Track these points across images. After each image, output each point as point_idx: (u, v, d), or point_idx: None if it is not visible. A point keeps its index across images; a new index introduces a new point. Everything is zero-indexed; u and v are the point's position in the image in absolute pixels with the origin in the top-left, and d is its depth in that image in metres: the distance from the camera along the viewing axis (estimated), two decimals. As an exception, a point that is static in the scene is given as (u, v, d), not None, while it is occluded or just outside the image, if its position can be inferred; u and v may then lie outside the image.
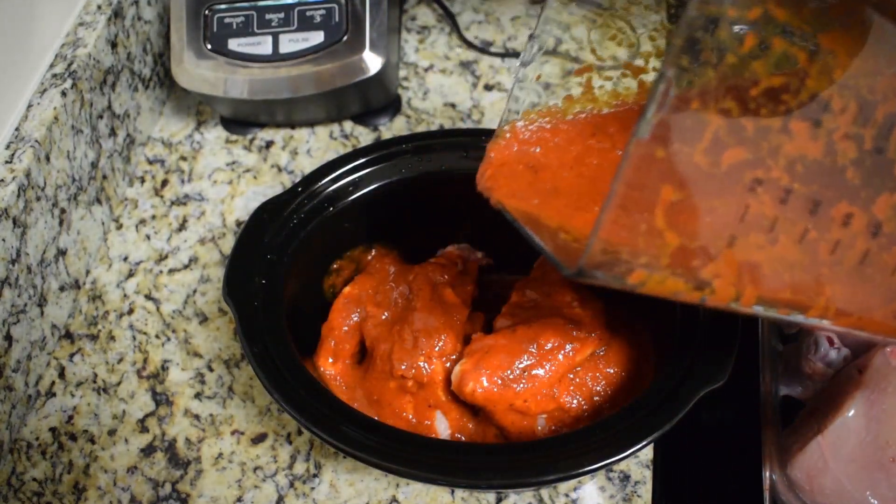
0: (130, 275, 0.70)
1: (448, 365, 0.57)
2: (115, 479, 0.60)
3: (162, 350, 0.66)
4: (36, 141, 0.62)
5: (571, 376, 0.55)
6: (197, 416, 0.62)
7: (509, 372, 0.54)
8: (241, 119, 0.77)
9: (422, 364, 0.56)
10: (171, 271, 0.70)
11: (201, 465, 0.60)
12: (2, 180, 0.60)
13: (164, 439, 0.62)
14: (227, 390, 0.64)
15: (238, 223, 0.72)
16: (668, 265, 0.41)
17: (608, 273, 0.41)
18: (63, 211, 0.65)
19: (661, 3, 0.54)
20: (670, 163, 0.39)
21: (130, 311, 0.68)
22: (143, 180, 0.75)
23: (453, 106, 0.77)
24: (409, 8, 0.84)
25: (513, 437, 0.55)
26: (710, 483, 0.64)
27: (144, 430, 0.62)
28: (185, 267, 0.70)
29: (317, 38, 0.69)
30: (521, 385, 0.54)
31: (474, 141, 0.62)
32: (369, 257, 0.65)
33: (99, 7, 0.70)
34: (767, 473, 0.54)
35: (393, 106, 0.77)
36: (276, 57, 0.69)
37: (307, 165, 0.75)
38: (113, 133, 0.71)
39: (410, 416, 0.57)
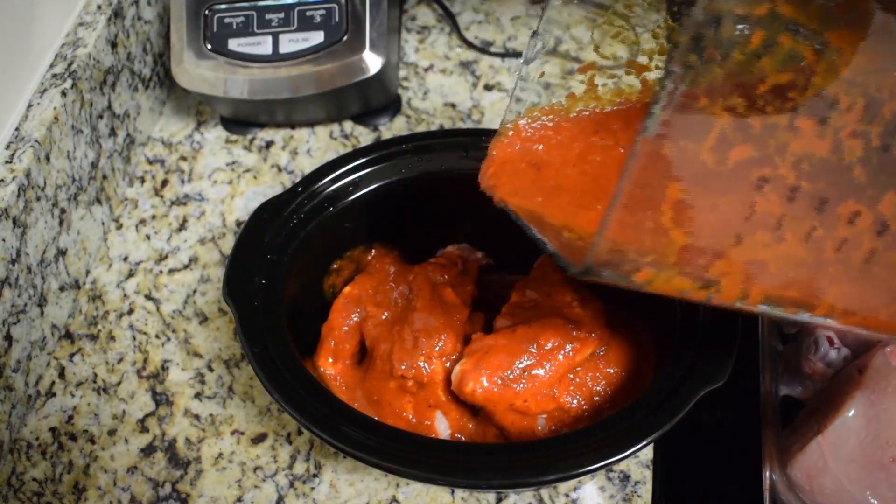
0: (130, 275, 0.70)
1: (448, 365, 0.56)
2: (115, 479, 0.60)
3: (162, 350, 0.66)
4: (36, 141, 0.61)
5: (571, 376, 0.55)
6: (197, 416, 0.62)
7: (509, 372, 0.54)
8: (241, 119, 0.77)
9: (422, 364, 0.56)
10: (171, 271, 0.70)
11: (201, 465, 0.60)
12: (2, 180, 0.59)
13: (164, 439, 0.61)
14: (227, 390, 0.63)
15: (238, 223, 0.72)
16: (675, 264, 0.41)
17: (614, 271, 0.41)
18: (63, 211, 0.65)
19: (661, 1, 0.54)
20: (677, 160, 0.39)
21: (130, 311, 0.68)
22: (143, 180, 0.75)
23: (453, 106, 0.77)
24: (409, 8, 0.84)
25: (513, 437, 0.55)
26: (710, 483, 0.64)
27: (144, 430, 0.62)
28: (185, 267, 0.70)
29: (317, 38, 0.69)
30: (521, 385, 0.54)
31: (474, 141, 0.62)
32: (369, 257, 0.65)
33: (99, 7, 0.70)
34: (767, 473, 0.54)
35: (393, 106, 0.77)
36: (276, 57, 0.69)
37: (307, 165, 0.75)
38: (113, 133, 0.71)
39: (410, 416, 0.57)
